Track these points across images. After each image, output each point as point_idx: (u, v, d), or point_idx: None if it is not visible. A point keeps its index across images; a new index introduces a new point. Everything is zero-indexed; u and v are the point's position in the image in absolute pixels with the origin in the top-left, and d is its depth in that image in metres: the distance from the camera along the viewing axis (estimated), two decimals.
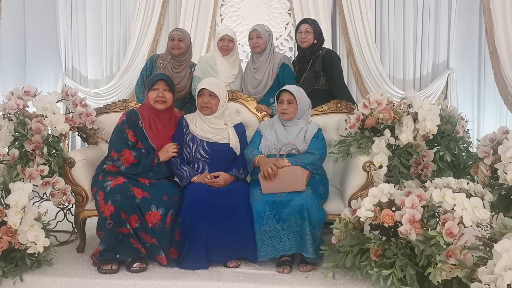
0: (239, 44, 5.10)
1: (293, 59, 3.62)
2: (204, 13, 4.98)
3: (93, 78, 5.27)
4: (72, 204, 2.75)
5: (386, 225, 2.16)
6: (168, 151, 2.64)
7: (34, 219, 2.23)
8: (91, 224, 2.65)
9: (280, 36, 5.07)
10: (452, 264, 1.95)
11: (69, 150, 4.17)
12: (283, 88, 2.69)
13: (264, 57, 3.31)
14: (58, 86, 5.08)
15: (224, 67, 3.30)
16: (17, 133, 2.55)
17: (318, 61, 3.26)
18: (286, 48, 5.07)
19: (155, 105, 2.64)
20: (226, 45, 3.29)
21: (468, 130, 2.63)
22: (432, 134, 2.44)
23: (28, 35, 5.22)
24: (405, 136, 2.41)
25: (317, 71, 3.22)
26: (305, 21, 3.35)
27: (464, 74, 4.90)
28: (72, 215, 2.85)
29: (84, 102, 2.84)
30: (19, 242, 2.19)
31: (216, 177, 2.58)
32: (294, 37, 3.44)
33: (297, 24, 3.41)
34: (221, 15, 5.15)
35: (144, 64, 3.62)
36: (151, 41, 5.08)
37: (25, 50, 5.24)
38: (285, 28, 5.11)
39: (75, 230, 2.90)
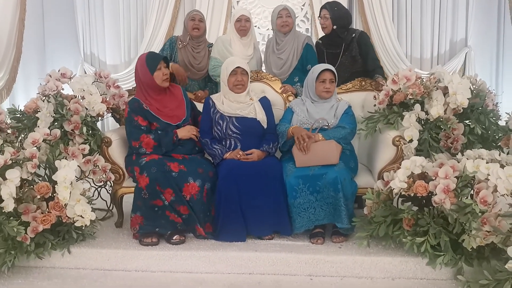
0: (256, 26, 5.15)
1: (312, 38, 3.63)
2: None
3: (112, 63, 5.35)
4: (105, 183, 2.85)
5: (419, 195, 2.23)
6: (188, 130, 2.70)
7: (80, 194, 2.33)
8: (127, 201, 2.76)
9: (296, 17, 5.08)
10: (487, 230, 2.03)
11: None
12: (325, 67, 2.72)
13: (290, 37, 3.34)
14: (77, 72, 5.16)
15: (239, 48, 3.34)
16: (56, 114, 2.63)
17: (353, 45, 3.24)
18: (302, 29, 5.10)
19: (163, 84, 2.67)
20: (244, 25, 3.32)
21: (497, 103, 2.67)
22: (462, 108, 2.48)
23: (46, 23, 5.31)
24: (436, 110, 2.46)
25: (355, 55, 3.22)
26: (323, 6, 3.32)
27: (483, 52, 4.93)
28: (108, 193, 2.96)
29: (117, 84, 2.91)
30: (67, 216, 2.29)
31: (249, 154, 2.65)
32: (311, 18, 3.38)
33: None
34: None
35: (162, 46, 3.64)
36: (168, 25, 5.13)
37: (44, 36, 5.33)
38: (302, 9, 5.14)
39: (110, 208, 3.02)
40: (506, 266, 1.84)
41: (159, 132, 2.64)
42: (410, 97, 2.58)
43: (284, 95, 3.19)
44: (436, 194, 2.14)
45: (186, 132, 2.69)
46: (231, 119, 2.74)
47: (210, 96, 2.90)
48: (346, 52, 3.25)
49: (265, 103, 2.86)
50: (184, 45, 3.38)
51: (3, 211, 2.20)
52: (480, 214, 2.05)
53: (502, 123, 2.67)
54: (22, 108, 2.79)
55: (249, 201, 2.51)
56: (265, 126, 2.76)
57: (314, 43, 3.47)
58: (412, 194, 2.26)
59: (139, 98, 2.69)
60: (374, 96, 2.76)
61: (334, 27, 3.24)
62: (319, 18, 3.31)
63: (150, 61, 2.67)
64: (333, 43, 3.29)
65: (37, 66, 5.22)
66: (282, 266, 2.33)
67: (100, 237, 2.56)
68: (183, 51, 3.37)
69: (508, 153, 2.34)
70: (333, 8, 3.27)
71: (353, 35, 3.27)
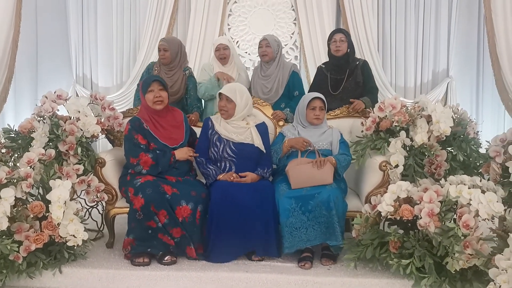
0: (246, 53, 5.30)
1: (318, 65, 3.71)
2: (212, 23, 5.15)
3: (104, 85, 5.40)
4: (97, 203, 2.89)
5: (405, 219, 2.31)
6: (186, 152, 2.75)
7: (73, 214, 2.36)
8: (117, 222, 2.81)
9: (285, 45, 5.25)
10: (469, 253, 2.11)
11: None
12: (316, 96, 2.83)
13: (273, 67, 3.49)
14: (69, 93, 5.18)
15: None
16: (51, 134, 2.67)
17: (358, 71, 3.35)
18: (291, 57, 5.26)
19: (154, 106, 2.73)
20: (222, 53, 3.53)
21: (478, 132, 2.81)
22: (445, 135, 2.61)
23: (40, 44, 5.36)
24: (420, 137, 2.58)
25: (359, 81, 3.32)
26: (339, 30, 3.44)
27: (463, 82, 5.13)
28: (100, 213, 2.98)
29: (112, 106, 2.98)
30: (59, 236, 2.31)
31: (242, 177, 2.72)
32: (327, 46, 3.45)
33: (330, 33, 3.46)
34: (228, 25, 5.32)
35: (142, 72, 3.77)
36: None
37: (37, 58, 5.38)
38: (291, 37, 5.30)
39: (101, 228, 3.04)
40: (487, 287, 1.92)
41: (157, 152, 2.70)
42: (396, 124, 2.70)
43: (274, 120, 3.29)
44: (421, 218, 2.23)
45: (183, 154, 2.74)
46: (228, 142, 2.80)
47: (210, 117, 2.97)
48: (350, 77, 3.35)
49: (262, 128, 2.91)
50: (159, 72, 3.50)
51: None
52: (462, 237, 2.15)
53: (482, 150, 2.79)
54: (16, 128, 2.83)
55: (239, 223, 2.55)
56: (263, 150, 2.81)
57: (308, 69, 3.60)
58: (398, 218, 2.35)
59: (140, 117, 2.75)
60: (362, 123, 2.88)
61: (348, 50, 3.35)
62: (333, 42, 3.34)
63: (144, 82, 2.79)
64: (338, 68, 3.38)
65: (28, 86, 5.25)
66: (272, 287, 2.36)
67: (91, 257, 2.58)
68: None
69: (488, 180, 2.46)
70: (347, 33, 3.42)
71: (357, 62, 3.40)
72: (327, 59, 3.53)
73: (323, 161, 2.62)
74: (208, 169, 2.75)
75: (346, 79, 3.36)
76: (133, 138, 2.68)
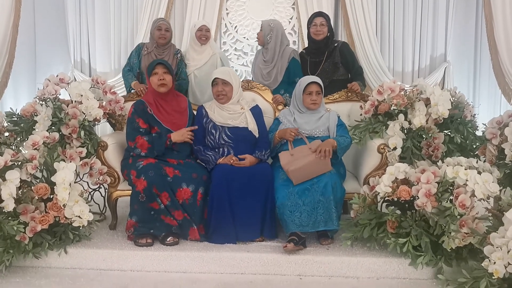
0: (245, 37, 5.31)
1: (299, 49, 3.76)
2: (211, 7, 5.15)
3: (102, 70, 5.39)
4: (100, 186, 2.93)
5: (402, 199, 2.37)
6: (182, 134, 2.76)
7: (78, 195, 2.40)
8: (119, 205, 2.87)
9: (284, 30, 5.25)
10: (465, 232, 2.18)
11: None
12: (312, 80, 2.83)
13: (271, 51, 3.45)
14: None
15: (193, 55, 3.62)
16: (54, 118, 2.70)
17: (336, 53, 3.40)
18: (289, 41, 5.25)
19: (158, 89, 2.76)
20: (205, 34, 3.60)
21: (475, 114, 2.85)
22: (443, 118, 2.65)
23: (38, 29, 5.35)
24: (418, 120, 2.63)
25: (337, 62, 3.38)
26: (319, 14, 3.48)
27: (461, 66, 5.17)
28: (102, 196, 3.03)
29: (113, 90, 3.00)
30: (64, 217, 2.36)
31: (241, 159, 2.75)
32: (307, 29, 3.53)
33: (310, 17, 3.53)
34: (227, 9, 5.32)
35: (130, 52, 3.77)
36: None
37: (35, 43, 5.37)
38: (289, 22, 5.30)
39: (103, 211, 3.09)
40: (482, 264, 1.99)
41: (153, 135, 2.73)
42: (394, 107, 2.74)
43: (276, 105, 3.32)
44: (418, 198, 2.29)
45: (180, 136, 2.75)
46: (223, 129, 2.82)
47: (203, 105, 2.98)
48: (328, 59, 3.40)
49: (256, 111, 2.95)
50: (149, 52, 3.51)
51: (3, 211, 2.26)
52: (458, 217, 2.20)
53: (479, 133, 2.85)
54: (19, 111, 2.85)
55: (240, 205, 2.61)
56: (256, 135, 2.85)
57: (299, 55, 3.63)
58: (396, 199, 2.41)
59: (145, 100, 2.78)
60: (361, 106, 2.91)
61: (328, 34, 3.40)
62: (313, 26, 3.40)
63: (149, 65, 2.82)
64: (318, 51, 3.44)
65: (27, 72, 5.24)
66: (273, 266, 2.43)
67: (95, 238, 2.63)
68: (147, 57, 3.51)
69: (484, 161, 2.51)
70: (327, 17, 3.46)
71: (336, 44, 3.46)
72: None
73: (324, 151, 2.56)
74: (207, 155, 2.79)
75: (324, 61, 3.41)
76: (134, 121, 2.71)
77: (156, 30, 3.50)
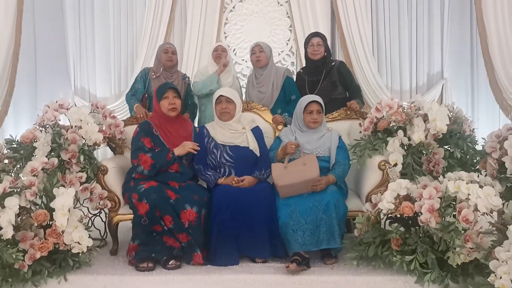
0: (243, 60, 5.37)
1: (297, 71, 3.81)
2: (209, 32, 5.21)
3: (102, 96, 5.43)
4: (100, 211, 2.91)
5: (405, 216, 2.34)
6: (184, 145, 2.77)
7: (77, 221, 2.38)
8: (120, 230, 2.84)
9: (282, 51, 5.33)
10: (470, 247, 2.14)
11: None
12: (313, 99, 2.85)
13: (268, 71, 3.52)
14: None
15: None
16: (53, 143, 2.70)
17: (334, 71, 3.45)
18: (288, 63, 5.33)
19: (168, 113, 2.80)
20: (220, 53, 3.65)
21: (473, 129, 2.85)
22: (442, 133, 2.65)
23: (38, 56, 5.39)
24: (417, 135, 2.62)
25: (335, 81, 3.42)
26: (316, 34, 3.53)
27: (458, 83, 5.20)
28: (103, 221, 3.00)
29: (113, 114, 3.01)
30: (64, 243, 2.33)
31: (241, 180, 2.75)
32: (304, 49, 3.58)
33: (306, 37, 3.58)
34: (225, 33, 5.39)
35: (135, 78, 3.81)
36: None
37: (36, 70, 5.40)
38: (287, 44, 5.37)
39: (104, 237, 3.05)
40: (488, 279, 1.95)
41: (155, 150, 2.74)
42: (393, 124, 2.74)
43: (276, 125, 3.33)
44: (421, 214, 2.26)
45: (182, 148, 2.77)
46: (225, 148, 2.84)
47: (205, 125, 3.02)
48: (326, 78, 3.44)
49: (257, 132, 2.97)
50: (157, 76, 3.54)
51: (1, 238, 2.23)
52: (463, 231, 2.18)
53: (479, 147, 2.84)
54: (18, 138, 2.85)
55: (241, 226, 2.59)
56: (257, 154, 2.86)
57: (296, 75, 3.67)
58: (399, 215, 2.38)
59: (151, 121, 2.81)
60: (360, 124, 2.91)
61: (325, 54, 3.46)
62: (310, 46, 3.46)
63: (159, 89, 2.85)
64: (315, 71, 3.49)
65: (28, 99, 5.26)
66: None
67: (95, 264, 2.59)
68: (156, 81, 3.54)
69: (485, 175, 2.49)
70: (324, 37, 3.52)
71: (333, 63, 3.51)
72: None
73: (321, 186, 2.60)
74: (206, 175, 2.80)
75: (322, 80, 3.45)
76: (139, 141, 2.73)
77: (163, 53, 3.56)
